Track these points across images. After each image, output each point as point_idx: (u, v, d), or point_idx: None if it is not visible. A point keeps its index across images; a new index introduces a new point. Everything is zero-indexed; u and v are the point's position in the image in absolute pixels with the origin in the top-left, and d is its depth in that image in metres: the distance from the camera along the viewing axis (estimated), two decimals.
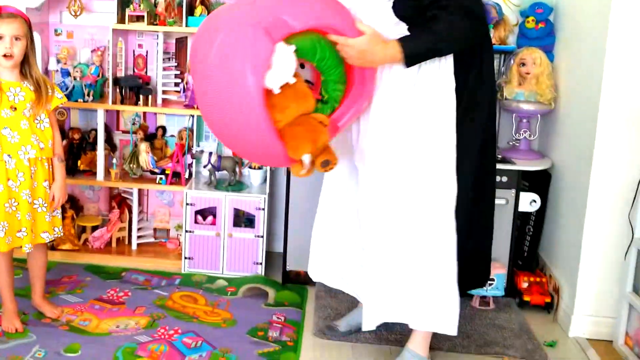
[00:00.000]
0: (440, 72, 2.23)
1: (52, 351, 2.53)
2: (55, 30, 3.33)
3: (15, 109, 2.58)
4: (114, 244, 3.51)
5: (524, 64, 3.16)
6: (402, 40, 2.10)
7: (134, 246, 3.52)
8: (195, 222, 3.25)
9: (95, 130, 3.43)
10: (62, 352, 2.52)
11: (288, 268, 3.17)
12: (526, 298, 3.04)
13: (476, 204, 2.41)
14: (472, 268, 2.52)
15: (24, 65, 2.62)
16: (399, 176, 2.34)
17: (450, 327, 2.41)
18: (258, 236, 3.20)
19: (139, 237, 3.54)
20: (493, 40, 3.24)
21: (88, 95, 3.28)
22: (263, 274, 3.26)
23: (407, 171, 2.32)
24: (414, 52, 2.10)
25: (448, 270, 2.38)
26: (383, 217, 2.42)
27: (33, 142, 2.59)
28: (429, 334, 2.49)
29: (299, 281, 3.17)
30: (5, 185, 2.58)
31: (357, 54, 2.11)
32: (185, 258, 3.23)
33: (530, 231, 3.27)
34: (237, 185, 3.31)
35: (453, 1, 2.10)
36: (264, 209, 3.17)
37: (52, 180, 2.73)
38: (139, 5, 3.24)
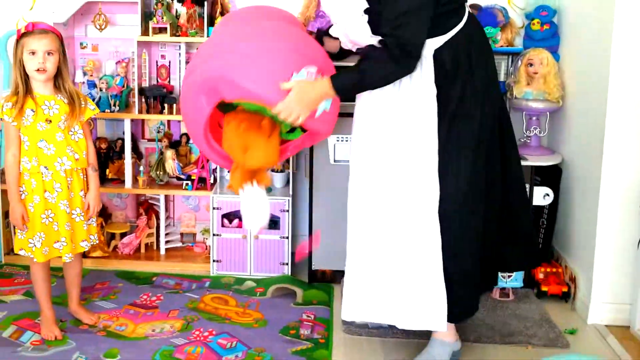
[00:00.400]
0: (422, 80, 2.34)
1: (91, 357, 2.58)
2: (81, 44, 3.44)
3: (50, 121, 2.65)
4: (142, 250, 3.59)
5: (531, 64, 3.26)
6: (333, 78, 2.29)
7: (162, 251, 3.60)
8: (222, 225, 3.33)
9: (121, 139, 3.52)
10: (102, 357, 2.58)
11: (314, 267, 3.27)
12: (544, 288, 3.15)
13: (491, 195, 2.47)
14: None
15: (57, 79, 2.69)
16: (383, 179, 2.44)
17: (439, 324, 2.48)
18: (283, 237, 3.29)
19: (166, 242, 3.61)
20: (501, 42, 3.42)
21: (114, 105, 3.38)
22: (290, 273, 3.33)
23: (390, 174, 2.42)
24: (342, 88, 2.29)
25: (433, 269, 2.44)
26: (368, 219, 2.51)
27: (68, 153, 2.66)
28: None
29: (324, 280, 3.28)
30: (41, 197, 2.64)
31: (296, 106, 2.27)
32: (214, 261, 3.31)
33: (544, 224, 3.38)
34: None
35: (392, 39, 2.24)
36: (288, 211, 3.27)
37: (87, 189, 2.78)
38: (162, 18, 3.35)
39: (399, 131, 2.39)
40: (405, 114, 2.37)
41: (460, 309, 2.52)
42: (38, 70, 2.59)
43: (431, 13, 2.28)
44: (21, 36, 2.64)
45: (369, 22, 2.31)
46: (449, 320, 2.47)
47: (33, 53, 2.60)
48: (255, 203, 2.39)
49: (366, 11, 2.30)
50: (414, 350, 2.62)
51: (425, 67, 2.32)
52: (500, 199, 2.56)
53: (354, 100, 2.56)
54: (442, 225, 2.40)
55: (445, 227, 2.41)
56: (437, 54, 2.32)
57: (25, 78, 2.65)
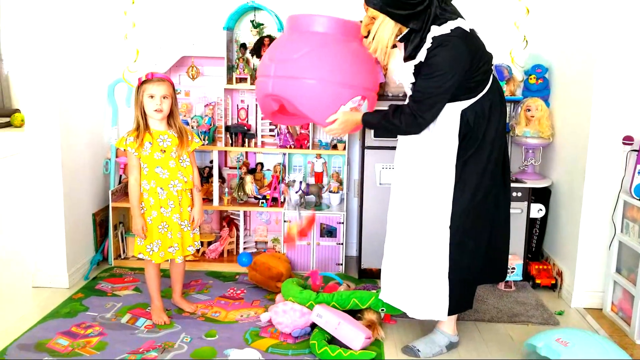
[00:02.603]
0: (449, 132, 2.63)
1: (195, 337, 2.96)
2: (176, 90, 3.74)
3: (164, 151, 2.96)
4: (225, 255, 4.01)
5: (529, 110, 3.70)
6: (365, 114, 2.76)
7: None
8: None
9: (208, 167, 4.00)
10: (204, 336, 2.96)
11: (363, 266, 3.75)
12: (537, 281, 3.62)
13: (487, 214, 2.75)
14: (491, 264, 2.87)
15: (170, 117, 2.99)
16: (412, 199, 2.75)
17: (441, 314, 2.78)
18: (339, 244, 3.79)
19: (244, 248, 4.01)
20: (506, 93, 3.76)
21: (203, 140, 3.74)
22: (343, 272, 3.82)
23: (418, 196, 2.73)
24: (367, 122, 2.77)
25: (440, 272, 2.72)
26: (399, 228, 2.83)
27: (179, 177, 2.98)
28: (453, 319, 2.90)
29: (372, 276, 3.74)
30: (158, 211, 2.98)
31: (340, 130, 2.78)
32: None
33: (536, 232, 3.83)
34: (320, 205, 3.90)
35: (411, 108, 2.59)
36: (342, 223, 3.77)
37: (193, 205, 3.09)
38: (243, 70, 3.79)
39: (427, 166, 2.70)
40: (433, 154, 2.68)
41: (457, 302, 2.80)
42: (156, 110, 2.91)
43: (448, 98, 2.57)
44: (142, 83, 2.93)
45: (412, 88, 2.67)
46: (449, 312, 2.78)
47: (152, 97, 2.90)
48: None
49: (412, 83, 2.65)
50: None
51: (452, 123, 2.62)
52: (496, 219, 2.81)
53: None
54: (451, 235, 2.68)
55: (452, 238, 2.69)
56: (464, 113, 2.62)
57: (144, 117, 2.94)
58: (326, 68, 2.68)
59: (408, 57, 2.60)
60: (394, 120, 2.65)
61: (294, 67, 2.69)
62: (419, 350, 2.87)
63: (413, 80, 2.61)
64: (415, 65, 2.58)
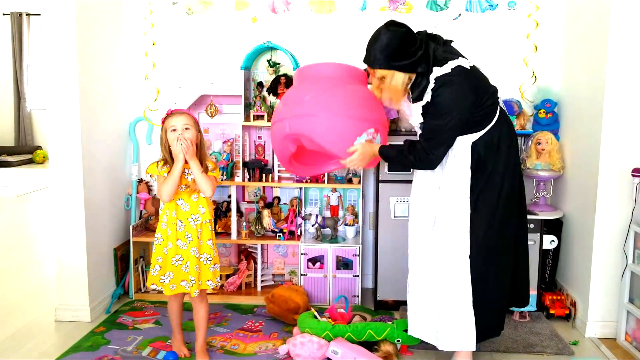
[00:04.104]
0: (461, 165, 2.74)
1: None
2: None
3: (188, 186, 2.94)
4: (243, 287, 4.07)
5: (539, 143, 3.77)
6: (382, 147, 2.85)
7: (258, 288, 4.08)
8: (308, 267, 3.86)
9: (227, 201, 4.08)
10: None
11: (379, 298, 3.79)
12: (552, 311, 3.64)
13: (505, 244, 2.83)
14: (513, 292, 2.96)
15: (197, 152, 2.91)
16: (431, 231, 2.84)
17: (469, 344, 2.83)
18: (355, 276, 3.84)
19: (262, 281, 4.08)
20: (517, 127, 3.83)
21: (222, 175, 3.81)
22: (360, 304, 3.86)
23: (436, 228, 2.81)
24: (384, 154, 2.87)
25: (464, 303, 2.78)
26: (417, 261, 2.92)
27: (200, 211, 2.94)
28: (468, 354, 2.94)
29: (387, 307, 3.79)
30: (174, 244, 2.93)
31: (359, 162, 2.85)
32: None
33: (549, 263, 3.86)
34: (336, 238, 3.96)
35: (421, 145, 2.71)
36: (358, 255, 3.82)
37: (213, 238, 3.01)
38: (260, 107, 3.89)
39: (442, 198, 2.79)
40: (448, 187, 2.78)
41: (484, 330, 2.86)
42: (179, 141, 2.82)
43: (457, 133, 2.69)
44: (164, 121, 2.92)
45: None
46: (477, 340, 2.83)
47: (174, 130, 2.88)
48: None
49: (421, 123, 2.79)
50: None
51: (464, 156, 2.73)
52: (514, 248, 2.89)
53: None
54: (472, 266, 2.75)
55: (473, 267, 2.75)
56: (474, 145, 2.72)
57: (170, 153, 2.89)
58: (337, 103, 2.81)
59: (416, 99, 2.73)
60: (409, 156, 2.76)
61: (308, 106, 2.82)
62: None
63: (422, 120, 2.75)
64: (422, 106, 2.72)
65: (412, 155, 2.75)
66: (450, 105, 2.63)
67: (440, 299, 2.81)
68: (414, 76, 2.70)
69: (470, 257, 2.75)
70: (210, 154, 3.99)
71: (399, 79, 2.69)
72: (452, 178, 2.77)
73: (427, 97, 2.68)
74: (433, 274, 2.83)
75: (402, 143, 2.85)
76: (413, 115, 2.80)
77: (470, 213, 2.75)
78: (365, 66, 2.83)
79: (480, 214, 2.75)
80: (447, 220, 2.78)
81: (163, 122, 2.93)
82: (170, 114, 2.94)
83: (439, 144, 2.70)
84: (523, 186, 2.95)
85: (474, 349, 2.85)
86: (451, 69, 2.63)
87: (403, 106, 2.87)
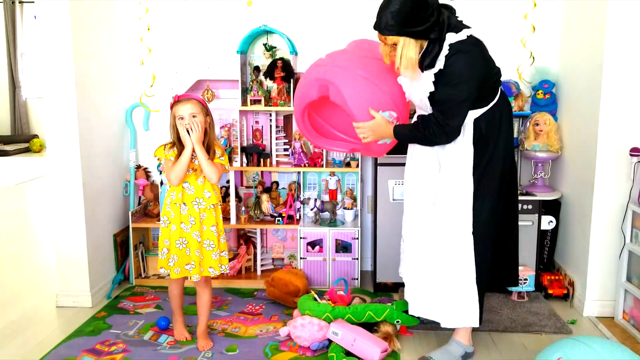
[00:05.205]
0: (463, 142, 2.70)
1: (217, 352, 3.02)
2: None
3: (195, 170, 2.94)
4: (243, 272, 4.10)
5: (537, 124, 3.78)
6: (396, 127, 2.78)
7: (258, 272, 4.10)
8: (307, 251, 3.88)
9: (225, 187, 4.08)
10: (224, 351, 3.03)
11: (378, 280, 3.82)
12: (550, 291, 3.68)
13: (502, 223, 2.85)
14: (502, 271, 2.98)
15: (204, 136, 2.92)
16: (427, 206, 2.83)
17: (473, 321, 2.83)
18: (354, 259, 3.87)
19: (262, 265, 4.12)
20: (514, 108, 3.83)
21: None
22: (359, 286, 3.90)
23: (433, 201, 2.80)
24: (398, 136, 2.79)
25: (468, 280, 2.78)
26: (417, 239, 2.90)
27: (204, 195, 2.94)
28: (468, 330, 2.95)
29: (386, 289, 3.83)
30: (178, 226, 2.93)
31: (370, 132, 2.79)
32: None
33: (547, 243, 3.90)
34: (335, 222, 3.98)
35: (437, 119, 2.64)
36: (357, 239, 3.84)
37: (218, 224, 3.00)
38: (257, 92, 3.89)
39: (444, 175, 2.77)
40: (450, 164, 2.75)
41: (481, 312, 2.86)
42: (186, 129, 2.85)
43: (471, 104, 2.63)
44: (172, 106, 2.91)
45: (429, 98, 2.68)
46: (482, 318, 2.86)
47: (182, 118, 2.87)
48: None
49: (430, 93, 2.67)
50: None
51: (466, 132, 2.70)
52: (510, 226, 2.92)
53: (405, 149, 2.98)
54: (475, 242, 2.74)
55: (477, 243, 2.75)
56: (476, 121, 2.70)
57: (179, 137, 2.89)
58: (377, 74, 2.81)
59: (428, 66, 2.64)
60: (424, 131, 2.70)
61: (351, 62, 2.86)
62: None
63: (432, 89, 2.65)
64: (435, 74, 2.63)
65: (427, 130, 2.68)
66: (465, 73, 2.57)
67: (444, 276, 2.81)
68: (425, 43, 2.63)
69: (473, 233, 2.75)
70: None
71: (411, 46, 2.60)
72: (454, 154, 2.75)
73: (440, 64, 2.61)
74: (436, 251, 2.82)
75: (415, 119, 2.80)
76: (420, 86, 2.71)
77: (473, 190, 2.74)
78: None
79: (483, 191, 2.75)
80: (449, 198, 2.77)
81: (171, 107, 2.91)
82: (178, 100, 2.91)
83: (454, 115, 2.63)
84: (516, 167, 2.96)
85: (478, 325, 2.87)
86: (467, 36, 2.59)
87: (402, 81, 2.83)
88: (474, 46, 2.60)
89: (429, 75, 2.64)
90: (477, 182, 2.75)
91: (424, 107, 2.78)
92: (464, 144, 2.73)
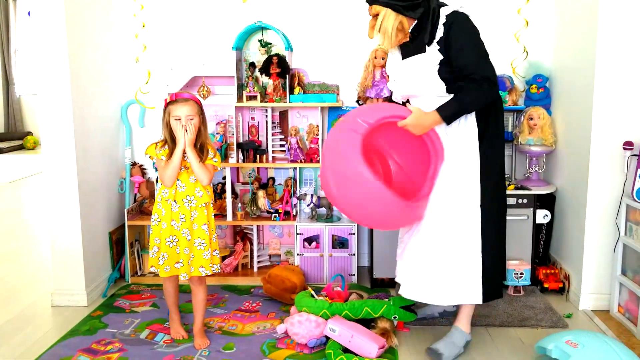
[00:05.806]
0: (467, 120, 2.77)
1: (214, 350, 3.01)
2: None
3: (187, 168, 2.94)
4: (240, 268, 4.08)
5: (531, 118, 3.79)
6: (439, 110, 2.71)
7: (255, 269, 4.08)
8: (304, 247, 3.88)
9: (221, 183, 4.08)
10: (222, 349, 3.01)
11: (375, 276, 3.82)
12: (545, 285, 3.69)
13: (494, 210, 2.85)
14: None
15: (198, 137, 2.92)
16: (439, 188, 2.82)
17: (476, 297, 2.83)
18: (351, 254, 3.87)
19: (258, 262, 4.11)
20: (509, 102, 3.88)
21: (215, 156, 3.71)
22: (356, 282, 3.89)
23: (445, 183, 2.80)
24: (448, 115, 2.71)
25: (473, 254, 2.80)
26: (426, 214, 2.86)
27: (196, 194, 2.93)
28: (470, 315, 2.97)
29: (383, 285, 3.83)
30: (168, 224, 2.93)
31: (413, 127, 2.72)
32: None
33: (543, 237, 3.90)
34: (331, 217, 3.97)
35: (477, 75, 2.66)
36: (354, 234, 3.84)
37: (210, 223, 2.99)
38: (253, 88, 3.88)
39: (452, 149, 2.79)
40: (455, 143, 2.79)
41: (490, 288, 2.86)
42: (184, 129, 2.85)
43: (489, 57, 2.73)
44: (168, 104, 2.90)
45: (439, 71, 2.71)
46: (485, 297, 2.83)
47: (178, 119, 2.86)
48: None
49: (440, 62, 2.70)
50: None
51: (469, 118, 2.76)
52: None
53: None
54: (482, 216, 2.77)
55: (484, 219, 2.78)
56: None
57: (171, 135, 2.90)
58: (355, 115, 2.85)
59: (429, 42, 2.73)
60: (465, 98, 2.70)
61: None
62: (442, 354, 2.91)
63: (441, 57, 2.71)
64: (438, 43, 2.71)
65: (467, 96, 2.69)
66: (473, 33, 2.71)
67: (446, 250, 2.80)
68: (406, 22, 2.76)
69: (481, 206, 2.78)
70: None
71: (390, 18, 2.74)
72: (459, 134, 2.78)
73: (440, 32, 2.71)
74: (441, 225, 2.81)
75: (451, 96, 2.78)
76: (426, 64, 2.75)
77: (479, 164, 2.78)
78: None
79: (489, 167, 2.79)
80: (456, 169, 2.79)
81: (166, 105, 2.91)
82: (175, 99, 2.89)
83: (490, 65, 2.71)
84: (504, 162, 3.00)
85: (481, 302, 2.84)
86: (461, 7, 2.75)
87: (392, 85, 2.89)
88: (468, 17, 2.74)
89: (433, 52, 2.72)
90: (483, 155, 2.78)
91: (430, 89, 2.78)
92: (467, 123, 2.78)
